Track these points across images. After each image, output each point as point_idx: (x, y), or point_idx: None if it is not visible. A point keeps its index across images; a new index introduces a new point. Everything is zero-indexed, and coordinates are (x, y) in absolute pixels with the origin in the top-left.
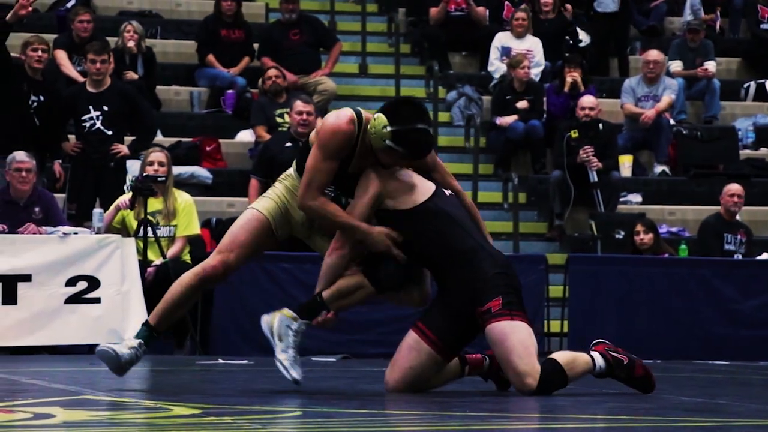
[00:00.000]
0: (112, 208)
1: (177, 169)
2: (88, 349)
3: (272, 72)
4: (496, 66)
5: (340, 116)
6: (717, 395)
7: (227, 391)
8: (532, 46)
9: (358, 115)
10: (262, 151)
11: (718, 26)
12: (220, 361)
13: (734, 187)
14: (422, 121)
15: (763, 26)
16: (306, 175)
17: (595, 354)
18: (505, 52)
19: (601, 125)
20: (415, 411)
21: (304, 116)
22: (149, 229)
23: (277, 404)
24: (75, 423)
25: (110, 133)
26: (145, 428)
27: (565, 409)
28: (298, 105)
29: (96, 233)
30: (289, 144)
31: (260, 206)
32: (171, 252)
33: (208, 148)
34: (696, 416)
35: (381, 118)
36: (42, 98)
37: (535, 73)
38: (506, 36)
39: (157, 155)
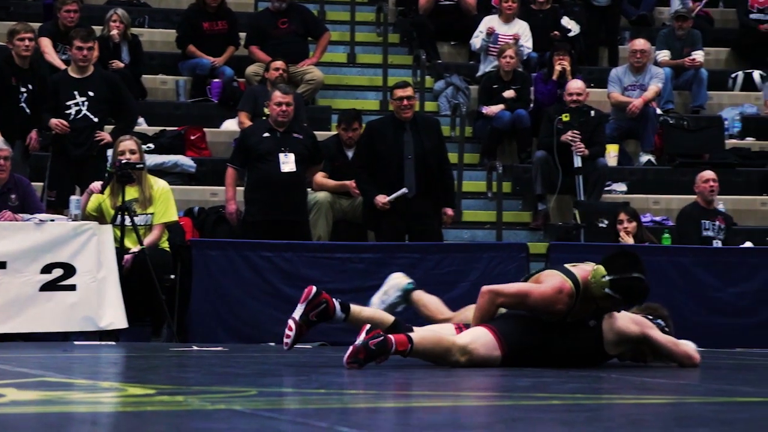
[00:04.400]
0: (85, 193)
1: (161, 158)
2: (63, 337)
3: (280, 64)
4: (477, 41)
5: (563, 290)
6: (680, 377)
7: (191, 375)
8: (520, 30)
9: (575, 283)
10: (240, 140)
11: (699, 11)
12: (194, 348)
13: (707, 173)
14: (637, 270)
15: (753, 16)
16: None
17: None
18: (494, 39)
19: (592, 112)
20: (371, 391)
21: (284, 107)
22: (126, 216)
23: (235, 385)
24: (22, 402)
25: (96, 119)
26: (89, 406)
27: (526, 389)
28: (277, 96)
29: (73, 220)
30: (267, 134)
31: None
32: (148, 240)
33: (192, 137)
34: (653, 395)
35: (600, 270)
36: (31, 87)
37: (526, 52)
38: (494, 19)
39: (127, 144)
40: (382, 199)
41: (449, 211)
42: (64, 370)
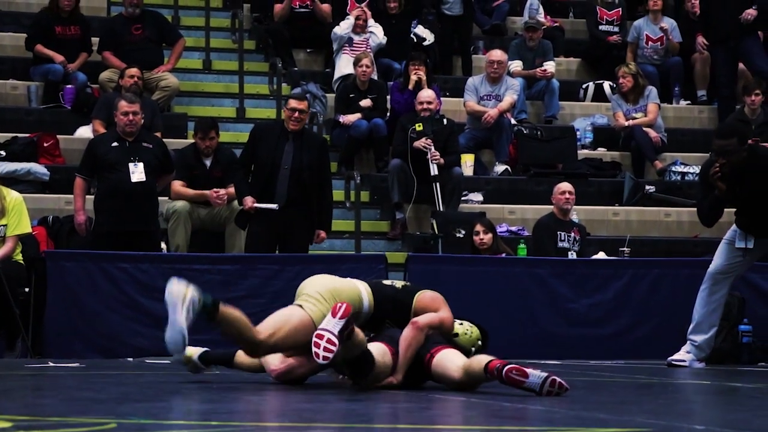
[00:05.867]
0: None
1: (13, 165)
2: None
3: (134, 71)
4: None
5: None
6: (539, 402)
7: (47, 401)
8: (372, 28)
9: None
10: (88, 150)
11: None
12: (50, 364)
13: (564, 185)
14: None
15: (602, 27)
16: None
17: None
18: (350, 42)
19: (445, 120)
20: (233, 422)
21: (130, 116)
22: None
23: (92, 414)
24: None
25: None
26: None
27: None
28: (123, 105)
29: None
30: (115, 143)
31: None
32: (1, 252)
33: (45, 144)
34: (507, 424)
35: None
36: None
37: (373, 46)
38: (348, 26)
39: None
40: (250, 201)
41: (323, 234)
42: None
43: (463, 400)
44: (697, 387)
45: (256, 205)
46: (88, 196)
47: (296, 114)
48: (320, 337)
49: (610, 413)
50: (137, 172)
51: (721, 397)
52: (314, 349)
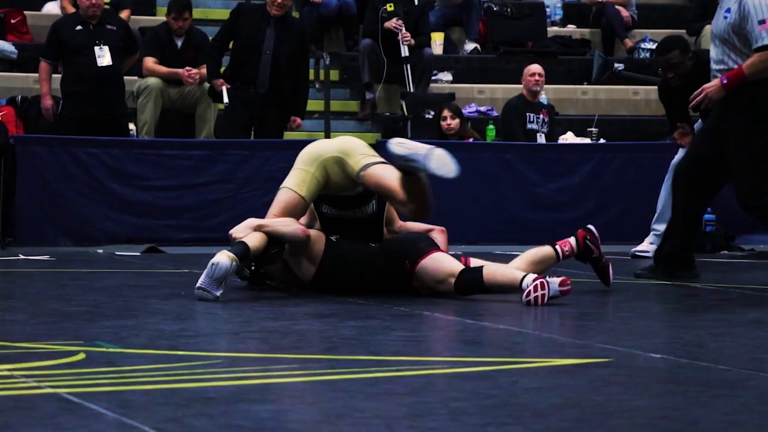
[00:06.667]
0: None
1: None
2: None
3: None
4: None
5: None
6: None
7: (18, 316)
8: None
9: None
10: (51, 34)
11: None
12: (21, 257)
13: (534, 67)
14: None
15: None
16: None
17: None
18: None
19: (416, 0)
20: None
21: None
22: None
23: (61, 338)
24: None
25: None
26: None
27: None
28: None
29: None
30: (79, 27)
31: None
32: None
33: (13, 21)
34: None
35: None
36: None
37: None
38: None
39: None
40: (220, 83)
41: (299, 120)
42: None
43: (434, 317)
44: (657, 294)
45: (225, 86)
46: (55, 75)
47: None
48: None
49: (568, 335)
50: (103, 56)
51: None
52: None
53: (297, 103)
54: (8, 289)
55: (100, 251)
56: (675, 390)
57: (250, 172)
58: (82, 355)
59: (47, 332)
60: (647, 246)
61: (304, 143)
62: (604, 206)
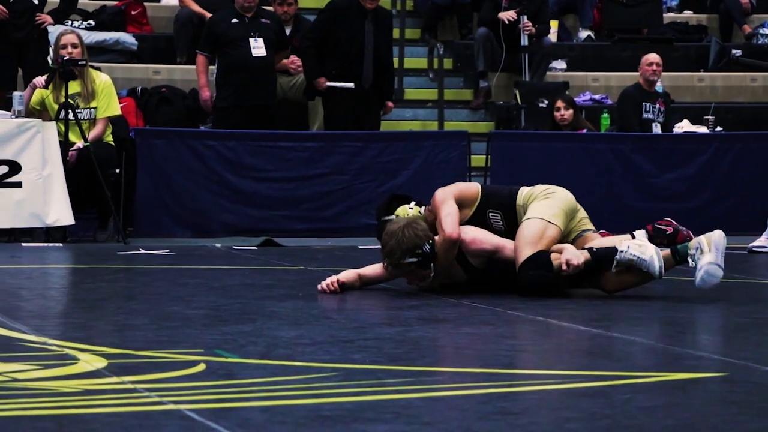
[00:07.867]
0: (28, 88)
1: (102, 35)
2: (9, 234)
3: None
4: None
5: None
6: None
7: (138, 320)
8: None
9: None
10: (208, 28)
11: None
12: (141, 251)
13: (652, 56)
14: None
15: None
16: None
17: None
18: None
19: None
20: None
21: None
22: (70, 111)
23: (181, 347)
24: None
25: (36, 1)
26: (38, 402)
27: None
28: None
29: (16, 117)
30: (235, 20)
31: None
32: (92, 134)
33: (133, 13)
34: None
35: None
36: None
37: None
38: None
39: (68, 37)
40: (324, 82)
41: (390, 104)
42: (10, 311)
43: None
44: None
45: (329, 84)
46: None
47: None
48: None
49: (682, 345)
50: (258, 47)
51: None
52: None
53: (388, 90)
54: (130, 288)
55: (218, 245)
56: None
57: (364, 163)
58: (202, 366)
59: (168, 339)
60: (765, 241)
61: (416, 135)
62: (720, 197)
